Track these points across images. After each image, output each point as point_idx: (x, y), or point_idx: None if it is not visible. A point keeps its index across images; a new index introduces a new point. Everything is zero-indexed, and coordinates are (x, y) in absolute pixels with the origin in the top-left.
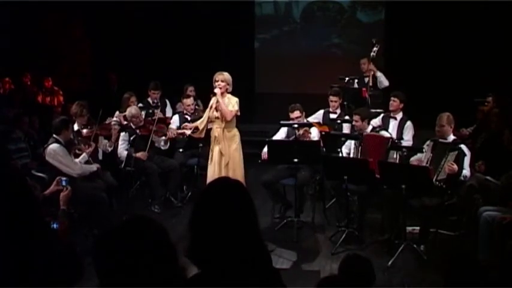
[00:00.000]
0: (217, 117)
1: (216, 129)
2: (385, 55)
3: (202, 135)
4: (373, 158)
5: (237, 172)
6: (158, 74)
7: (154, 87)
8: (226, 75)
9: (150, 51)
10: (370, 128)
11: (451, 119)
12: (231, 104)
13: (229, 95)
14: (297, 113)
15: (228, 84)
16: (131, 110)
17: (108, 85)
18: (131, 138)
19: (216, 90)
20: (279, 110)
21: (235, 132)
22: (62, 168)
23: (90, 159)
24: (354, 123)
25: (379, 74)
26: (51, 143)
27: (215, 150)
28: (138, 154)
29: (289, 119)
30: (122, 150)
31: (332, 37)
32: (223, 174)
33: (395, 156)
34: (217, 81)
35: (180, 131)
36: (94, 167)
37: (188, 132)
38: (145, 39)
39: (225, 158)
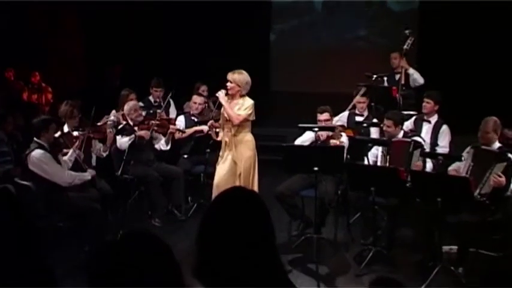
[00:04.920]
0: (227, 120)
1: (227, 134)
2: (418, 49)
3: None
4: (403, 166)
5: (250, 183)
6: (163, 70)
7: (157, 85)
8: (237, 76)
9: (154, 44)
10: (401, 133)
11: (498, 125)
12: (244, 107)
13: (245, 97)
14: (326, 115)
15: (239, 86)
16: (130, 103)
17: (111, 78)
18: (129, 140)
19: (219, 93)
20: (296, 111)
21: (249, 138)
22: (48, 178)
23: (84, 165)
24: (385, 128)
25: (412, 71)
26: (33, 149)
27: (227, 157)
28: (141, 133)
29: (310, 121)
30: (123, 142)
31: (358, 29)
32: (236, 184)
33: (418, 162)
34: (228, 81)
35: (187, 131)
36: (88, 175)
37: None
38: (149, 31)
39: (238, 168)
